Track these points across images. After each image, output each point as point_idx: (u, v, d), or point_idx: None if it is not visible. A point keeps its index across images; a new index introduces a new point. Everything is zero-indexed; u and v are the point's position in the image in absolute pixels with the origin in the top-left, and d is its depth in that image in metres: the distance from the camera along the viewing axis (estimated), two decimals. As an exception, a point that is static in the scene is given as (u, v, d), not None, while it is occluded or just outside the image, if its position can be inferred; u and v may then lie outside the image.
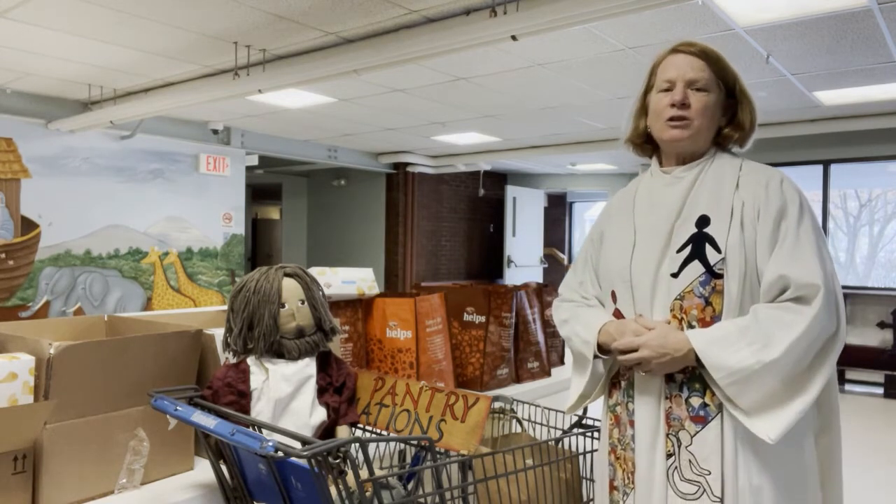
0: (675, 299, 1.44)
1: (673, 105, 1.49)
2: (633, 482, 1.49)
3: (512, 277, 10.45)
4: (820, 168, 7.41)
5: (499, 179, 10.95)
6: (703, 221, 1.45)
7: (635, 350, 1.43)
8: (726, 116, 1.54)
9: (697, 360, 1.39)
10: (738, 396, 1.36)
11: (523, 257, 10.69)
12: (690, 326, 1.43)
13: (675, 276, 1.44)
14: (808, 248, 1.38)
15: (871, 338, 7.05)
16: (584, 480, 1.85)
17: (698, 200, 1.48)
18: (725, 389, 1.36)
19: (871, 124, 6.02)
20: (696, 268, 1.42)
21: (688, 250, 1.44)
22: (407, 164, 9.01)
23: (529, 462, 1.71)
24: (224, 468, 1.57)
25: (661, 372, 1.43)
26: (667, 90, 1.51)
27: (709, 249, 1.42)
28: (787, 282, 1.37)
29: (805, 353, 1.35)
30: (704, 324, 1.42)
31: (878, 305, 7.07)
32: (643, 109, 1.60)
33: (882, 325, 6.97)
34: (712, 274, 1.41)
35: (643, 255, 1.50)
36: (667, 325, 1.44)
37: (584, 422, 1.94)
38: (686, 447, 1.41)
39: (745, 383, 1.34)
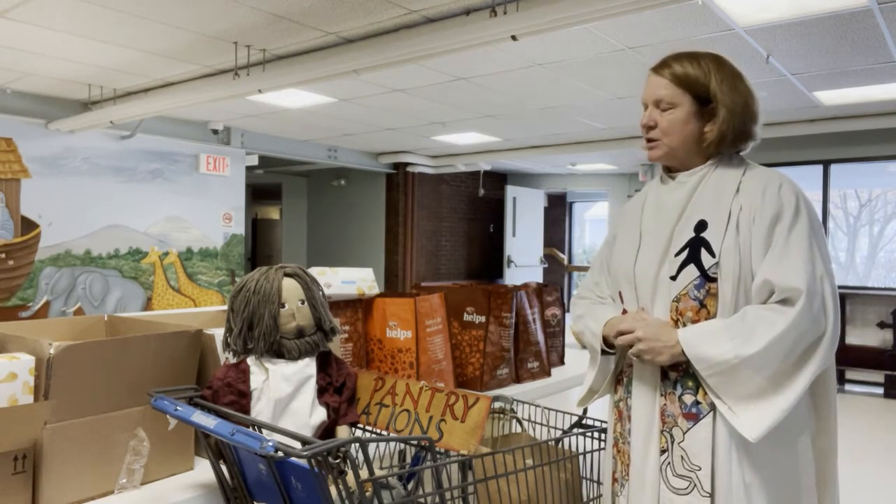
0: (672, 301, 1.48)
1: (642, 126, 1.59)
2: (628, 474, 1.54)
3: (512, 277, 10.45)
4: (820, 168, 7.41)
5: (499, 179, 10.96)
6: (701, 226, 1.48)
7: (631, 332, 1.49)
8: (712, 122, 1.54)
9: (685, 354, 1.43)
10: (720, 389, 1.40)
11: (523, 257, 10.68)
12: (685, 326, 1.46)
13: (673, 278, 1.48)
14: (796, 253, 1.40)
15: (871, 338, 7.05)
16: (584, 480, 1.85)
17: (699, 205, 1.51)
18: (708, 381, 1.41)
19: (871, 124, 6.02)
20: (691, 271, 1.46)
21: (685, 254, 1.48)
22: (407, 164, 9.01)
23: (529, 462, 1.71)
24: (224, 468, 1.57)
25: (650, 357, 1.46)
26: (644, 110, 1.60)
27: (704, 253, 1.45)
28: (771, 286, 1.40)
29: (788, 351, 1.37)
30: None
31: (878, 305, 7.06)
32: None
33: (882, 325, 6.97)
34: (707, 277, 1.44)
35: (646, 257, 1.54)
36: (666, 321, 1.49)
37: (584, 422, 1.94)
38: (679, 443, 1.45)
39: (725, 376, 1.39)
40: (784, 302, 1.39)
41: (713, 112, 1.54)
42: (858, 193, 9.29)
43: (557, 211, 12.67)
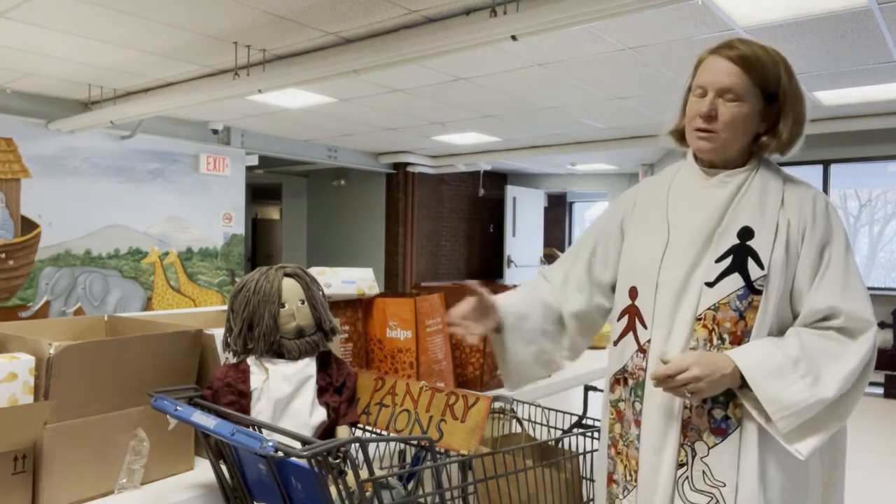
0: (709, 309, 1.39)
1: (701, 116, 1.43)
2: (635, 480, 1.48)
3: (512, 277, 10.45)
4: (820, 168, 7.41)
5: (499, 179, 10.95)
6: (747, 234, 1.39)
7: (684, 371, 1.33)
8: (767, 123, 1.45)
9: (742, 379, 1.35)
10: (784, 424, 1.32)
11: (523, 257, 10.68)
12: (721, 338, 1.39)
13: (710, 285, 1.40)
14: (857, 281, 1.39)
15: (872, 338, 7.05)
16: (584, 480, 1.85)
17: (742, 210, 1.42)
18: (777, 422, 1.32)
19: (871, 124, 6.02)
20: (734, 280, 1.38)
21: (728, 261, 1.39)
22: (407, 164, 9.01)
23: (529, 462, 1.71)
24: (224, 468, 1.57)
25: (711, 392, 1.36)
26: (700, 96, 1.44)
27: (751, 264, 1.37)
28: (837, 312, 1.36)
29: (853, 384, 1.36)
30: (735, 337, 1.38)
31: (878, 305, 7.06)
32: (685, 106, 1.52)
33: (882, 325, 6.97)
34: (751, 289, 1.37)
35: (677, 256, 1.45)
36: (707, 351, 1.39)
37: (584, 422, 1.94)
38: (701, 458, 1.39)
39: (797, 416, 1.32)
40: (843, 331, 1.36)
41: (776, 114, 1.44)
42: (858, 193, 9.28)
43: (557, 211, 12.66)
